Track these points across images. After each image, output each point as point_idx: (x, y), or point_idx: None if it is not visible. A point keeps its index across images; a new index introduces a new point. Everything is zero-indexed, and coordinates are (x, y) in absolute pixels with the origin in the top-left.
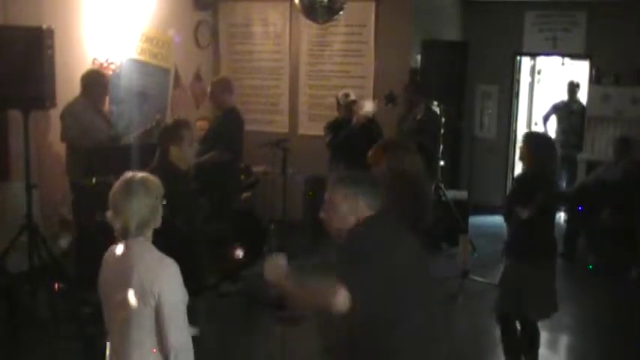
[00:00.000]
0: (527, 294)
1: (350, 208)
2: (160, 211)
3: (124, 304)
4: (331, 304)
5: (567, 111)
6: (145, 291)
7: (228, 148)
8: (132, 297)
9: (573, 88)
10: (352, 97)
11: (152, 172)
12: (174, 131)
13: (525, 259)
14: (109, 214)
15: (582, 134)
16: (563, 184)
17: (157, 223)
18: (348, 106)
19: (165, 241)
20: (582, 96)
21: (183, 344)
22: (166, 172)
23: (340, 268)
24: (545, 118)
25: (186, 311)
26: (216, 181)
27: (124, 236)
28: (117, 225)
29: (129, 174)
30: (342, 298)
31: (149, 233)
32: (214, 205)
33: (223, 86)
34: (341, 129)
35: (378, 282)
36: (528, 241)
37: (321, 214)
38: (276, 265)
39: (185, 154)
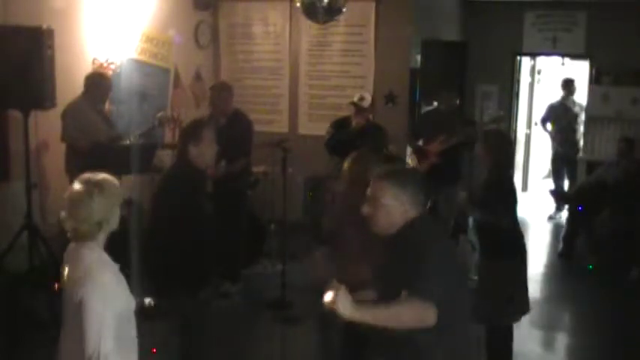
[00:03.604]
0: (499, 296)
1: (399, 208)
2: (117, 215)
3: (65, 303)
4: (423, 320)
5: (564, 109)
6: (73, 296)
7: (244, 153)
8: (67, 300)
9: (569, 85)
10: (366, 101)
11: (171, 171)
12: (193, 130)
13: (494, 260)
14: (62, 214)
15: (578, 132)
16: (565, 184)
17: (113, 226)
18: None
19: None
20: (579, 95)
21: (98, 354)
22: (185, 171)
23: (415, 277)
24: (545, 120)
25: (116, 322)
26: (232, 186)
27: (74, 238)
28: (67, 226)
29: (86, 175)
30: (433, 314)
31: (102, 236)
32: (227, 208)
33: (227, 92)
34: (343, 128)
35: (449, 291)
36: (495, 242)
37: (364, 209)
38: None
39: (204, 154)
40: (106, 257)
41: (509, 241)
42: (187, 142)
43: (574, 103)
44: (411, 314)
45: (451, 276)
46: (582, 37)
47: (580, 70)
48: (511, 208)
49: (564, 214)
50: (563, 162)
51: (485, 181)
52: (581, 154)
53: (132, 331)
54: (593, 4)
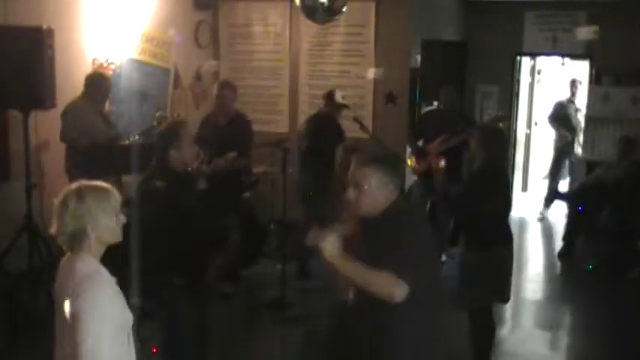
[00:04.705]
0: (479, 280)
1: (381, 191)
2: (107, 225)
3: (59, 316)
4: (392, 292)
5: (575, 109)
6: (65, 309)
7: (243, 154)
8: (64, 310)
9: (576, 85)
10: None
11: (150, 174)
12: (172, 132)
13: (479, 248)
14: (52, 229)
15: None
16: (567, 182)
17: (105, 236)
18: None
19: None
20: (580, 95)
21: None
22: (164, 174)
23: (390, 255)
24: (554, 118)
25: (111, 331)
26: (229, 185)
27: (65, 248)
28: (57, 237)
29: (76, 183)
30: (404, 290)
31: (93, 247)
32: (223, 207)
33: (231, 91)
34: (321, 132)
35: (426, 270)
36: (483, 230)
37: (348, 194)
38: (333, 241)
39: (184, 156)
40: (102, 270)
41: (499, 230)
42: (168, 145)
43: (578, 102)
44: (383, 284)
45: (426, 256)
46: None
47: (580, 70)
48: (499, 200)
49: (552, 212)
50: (565, 160)
51: (474, 171)
52: (580, 153)
53: (127, 348)
54: (593, 4)
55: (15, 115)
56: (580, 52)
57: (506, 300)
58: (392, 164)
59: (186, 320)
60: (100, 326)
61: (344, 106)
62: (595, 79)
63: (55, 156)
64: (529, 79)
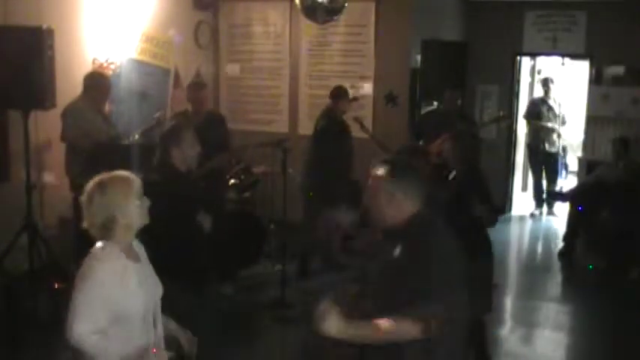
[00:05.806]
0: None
1: (405, 204)
2: (133, 209)
3: None
4: (422, 331)
5: (548, 107)
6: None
7: (224, 150)
8: None
9: (548, 84)
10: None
11: (152, 173)
12: (175, 133)
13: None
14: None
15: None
16: (544, 183)
17: (133, 221)
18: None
19: (167, 241)
20: (580, 95)
21: (70, 343)
22: (166, 173)
23: (422, 280)
24: (530, 115)
25: (104, 313)
26: (216, 183)
27: (98, 239)
28: (89, 230)
29: (96, 177)
30: (439, 321)
31: (121, 233)
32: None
33: (205, 90)
34: (338, 135)
35: (456, 290)
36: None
37: (364, 202)
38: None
39: (186, 155)
40: (116, 256)
41: (482, 240)
42: (170, 144)
43: (555, 101)
44: (409, 330)
45: (456, 273)
46: (582, 37)
47: (580, 70)
48: (473, 206)
49: (544, 211)
50: (542, 159)
51: (455, 180)
52: (580, 153)
53: (139, 333)
54: (593, 4)
55: (15, 115)
56: (580, 52)
57: (491, 309)
58: (417, 179)
59: (182, 319)
60: (90, 304)
61: (355, 99)
62: (595, 79)
63: (55, 156)
64: (529, 79)
